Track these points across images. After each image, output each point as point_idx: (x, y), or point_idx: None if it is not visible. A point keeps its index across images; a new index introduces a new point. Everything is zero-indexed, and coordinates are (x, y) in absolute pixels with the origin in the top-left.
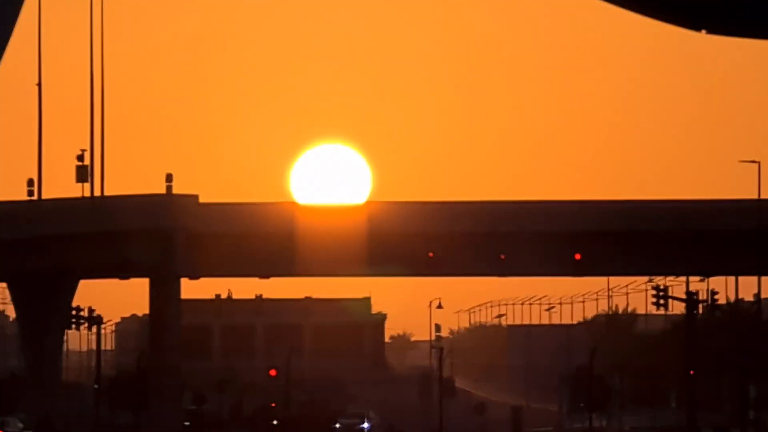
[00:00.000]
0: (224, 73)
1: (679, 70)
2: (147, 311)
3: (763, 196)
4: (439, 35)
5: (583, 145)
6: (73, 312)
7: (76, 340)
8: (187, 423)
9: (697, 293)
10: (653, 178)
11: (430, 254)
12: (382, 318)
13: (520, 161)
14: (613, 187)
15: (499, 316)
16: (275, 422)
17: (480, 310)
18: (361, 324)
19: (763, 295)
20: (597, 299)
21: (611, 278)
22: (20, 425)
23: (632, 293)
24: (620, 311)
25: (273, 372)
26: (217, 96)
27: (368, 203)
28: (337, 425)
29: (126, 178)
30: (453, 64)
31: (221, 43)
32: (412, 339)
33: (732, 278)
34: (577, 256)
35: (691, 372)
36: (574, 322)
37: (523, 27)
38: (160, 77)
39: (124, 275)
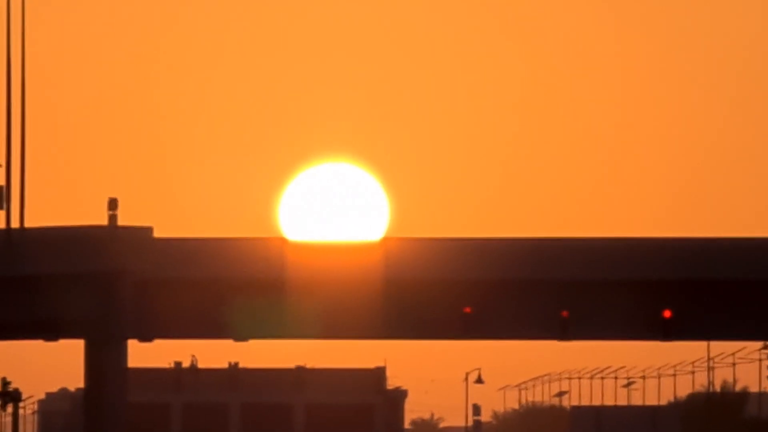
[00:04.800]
0: (187, 66)
1: None
2: (81, 384)
3: None
4: (478, 31)
5: (666, 169)
6: None
7: None
8: None
9: None
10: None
11: (467, 309)
12: (400, 395)
13: (585, 187)
14: (712, 221)
15: (560, 393)
16: None
17: (534, 385)
18: (372, 404)
19: None
20: (693, 372)
21: (712, 344)
22: None
23: (741, 364)
24: (725, 389)
25: None
26: (179, 95)
27: (384, 240)
28: None
29: (54, 204)
30: (495, 59)
31: (186, 28)
32: (442, 425)
33: None
34: (666, 314)
35: None
36: (662, 402)
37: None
38: (102, 70)
39: (51, 335)
